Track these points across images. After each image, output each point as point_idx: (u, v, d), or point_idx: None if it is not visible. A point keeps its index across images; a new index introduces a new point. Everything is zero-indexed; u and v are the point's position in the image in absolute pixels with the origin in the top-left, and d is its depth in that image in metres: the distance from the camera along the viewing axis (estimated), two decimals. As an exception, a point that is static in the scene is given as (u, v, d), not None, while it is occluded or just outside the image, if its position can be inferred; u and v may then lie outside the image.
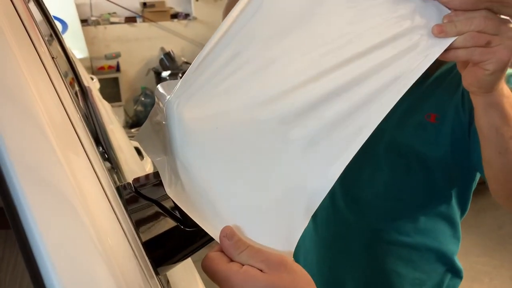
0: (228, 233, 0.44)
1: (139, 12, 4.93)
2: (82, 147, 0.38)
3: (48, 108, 0.36)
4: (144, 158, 1.22)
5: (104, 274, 0.31)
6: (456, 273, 0.97)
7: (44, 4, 0.93)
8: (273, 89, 0.51)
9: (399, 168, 0.89)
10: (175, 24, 5.03)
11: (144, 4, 4.92)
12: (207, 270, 0.43)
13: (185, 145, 0.49)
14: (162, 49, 4.95)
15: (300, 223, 0.47)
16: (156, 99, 0.62)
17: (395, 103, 0.49)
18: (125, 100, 4.86)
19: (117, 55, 4.76)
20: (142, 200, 0.47)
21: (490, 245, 2.77)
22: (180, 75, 4.54)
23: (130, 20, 4.89)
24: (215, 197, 0.47)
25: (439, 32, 0.53)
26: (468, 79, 0.59)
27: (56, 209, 0.31)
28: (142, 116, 4.63)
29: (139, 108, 4.75)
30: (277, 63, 0.52)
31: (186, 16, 5.11)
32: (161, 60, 4.87)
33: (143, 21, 4.91)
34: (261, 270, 0.42)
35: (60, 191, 0.31)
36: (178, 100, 0.52)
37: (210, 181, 0.48)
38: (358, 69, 0.50)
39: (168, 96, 0.54)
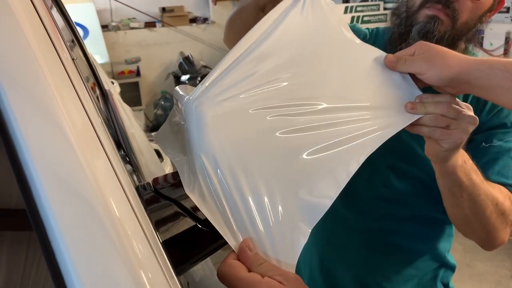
0: (249, 244, 0.47)
1: (158, 17, 4.99)
2: (103, 149, 0.38)
3: (70, 111, 0.36)
4: (164, 160, 1.24)
5: (124, 274, 0.31)
6: (449, 267, 1.02)
7: (66, 11, 0.95)
8: (288, 107, 0.54)
9: (397, 171, 0.92)
10: (193, 29, 5.08)
11: (163, 9, 4.98)
12: (226, 277, 0.45)
13: (203, 146, 0.50)
14: (181, 53, 5.00)
15: (301, 238, 0.49)
16: (174, 100, 0.63)
17: (375, 149, 0.56)
18: (145, 104, 4.92)
19: (137, 60, 4.82)
20: (161, 200, 0.47)
21: (515, 248, 2.70)
22: (199, 78, 4.58)
23: (150, 25, 4.96)
24: (229, 201, 0.48)
25: (410, 108, 0.62)
26: (428, 150, 0.70)
27: (77, 211, 0.32)
28: (162, 119, 4.68)
29: (159, 112, 4.80)
30: (291, 85, 0.56)
31: (205, 20, 5.16)
32: (180, 64, 4.91)
33: (162, 26, 4.97)
34: (280, 283, 0.44)
35: (80, 193, 0.32)
36: (197, 101, 0.52)
37: (225, 184, 0.49)
38: (348, 116, 0.57)
39: (187, 97, 0.55)
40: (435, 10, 0.82)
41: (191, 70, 4.82)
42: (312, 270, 1.07)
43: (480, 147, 0.84)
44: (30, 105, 0.34)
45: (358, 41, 0.66)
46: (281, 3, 0.62)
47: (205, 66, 4.94)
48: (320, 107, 0.56)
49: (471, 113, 0.65)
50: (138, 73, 4.86)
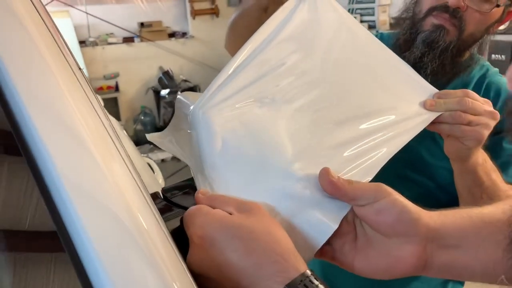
0: (204, 191, 0.45)
1: (137, 32, 4.97)
2: (123, 161, 0.38)
3: (89, 124, 0.36)
4: (155, 173, 1.22)
5: (155, 280, 0.31)
6: (458, 281, 0.99)
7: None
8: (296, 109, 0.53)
9: (405, 180, 0.90)
10: (173, 43, 5.07)
11: (142, 24, 4.96)
12: (184, 221, 0.42)
13: (214, 153, 0.49)
14: (161, 68, 4.98)
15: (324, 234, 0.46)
16: (176, 109, 0.61)
17: (396, 152, 0.55)
18: (124, 119, 4.86)
19: (116, 75, 4.78)
20: (174, 208, 0.46)
21: None
22: (179, 92, 4.55)
23: (128, 40, 4.93)
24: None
25: (430, 105, 0.60)
26: (448, 149, 0.69)
27: (108, 225, 0.31)
28: (142, 135, 4.63)
29: (139, 127, 4.75)
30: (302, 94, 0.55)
31: (184, 34, 5.16)
32: (160, 79, 4.89)
33: (141, 40, 4.95)
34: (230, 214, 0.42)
35: (109, 208, 0.32)
36: (203, 109, 0.52)
37: (238, 190, 0.48)
38: (371, 126, 0.56)
39: (192, 106, 0.54)
40: (442, 19, 0.81)
41: (171, 85, 4.80)
42: None
43: (490, 150, 0.83)
44: (53, 121, 0.34)
45: (374, 40, 0.64)
46: (285, 5, 0.61)
47: (185, 80, 4.93)
48: (335, 116, 0.54)
49: (491, 108, 0.64)
50: (117, 89, 4.82)
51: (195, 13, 5.10)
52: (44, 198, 0.31)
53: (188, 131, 0.55)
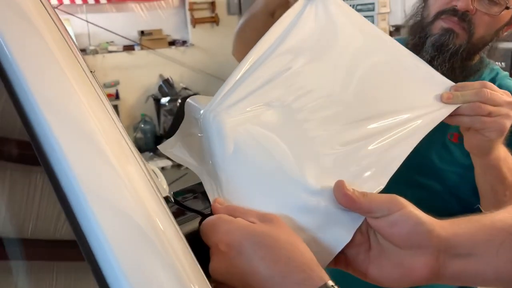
0: (219, 200, 0.46)
1: (137, 40, 4.98)
2: (134, 158, 0.37)
3: (103, 125, 0.36)
4: (159, 179, 1.21)
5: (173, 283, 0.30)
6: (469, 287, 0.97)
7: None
8: (307, 116, 0.53)
9: (417, 185, 0.90)
10: (173, 51, 5.08)
11: (142, 32, 4.98)
12: (203, 230, 0.42)
13: (225, 155, 0.49)
14: (161, 76, 4.99)
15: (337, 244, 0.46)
16: (186, 112, 0.61)
17: (414, 146, 0.54)
18: (125, 127, 4.85)
19: (116, 83, 4.78)
20: (187, 213, 0.46)
21: None
22: (180, 100, 4.56)
23: (128, 48, 4.94)
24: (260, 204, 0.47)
25: (447, 98, 0.59)
26: (469, 143, 0.67)
27: (126, 230, 0.31)
28: (142, 143, 4.62)
29: (139, 135, 4.74)
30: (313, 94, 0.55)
31: (184, 42, 5.18)
32: (160, 87, 4.89)
33: (141, 49, 4.96)
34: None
35: (126, 212, 0.32)
36: (214, 112, 0.52)
37: (250, 194, 0.48)
38: (388, 122, 0.55)
39: (202, 110, 0.54)
40: (450, 22, 0.80)
41: (171, 93, 4.80)
42: None
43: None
44: (70, 127, 0.34)
45: (385, 37, 0.63)
46: (292, 8, 0.61)
47: (185, 88, 4.93)
48: (349, 118, 0.54)
49: (511, 99, 0.63)
50: (117, 96, 4.82)
51: (195, 22, 5.13)
52: (62, 205, 0.31)
53: (199, 134, 0.55)
